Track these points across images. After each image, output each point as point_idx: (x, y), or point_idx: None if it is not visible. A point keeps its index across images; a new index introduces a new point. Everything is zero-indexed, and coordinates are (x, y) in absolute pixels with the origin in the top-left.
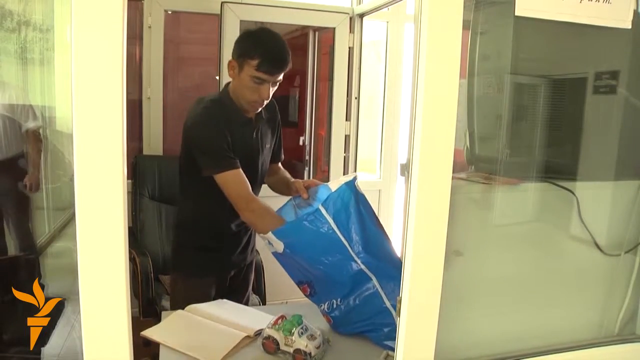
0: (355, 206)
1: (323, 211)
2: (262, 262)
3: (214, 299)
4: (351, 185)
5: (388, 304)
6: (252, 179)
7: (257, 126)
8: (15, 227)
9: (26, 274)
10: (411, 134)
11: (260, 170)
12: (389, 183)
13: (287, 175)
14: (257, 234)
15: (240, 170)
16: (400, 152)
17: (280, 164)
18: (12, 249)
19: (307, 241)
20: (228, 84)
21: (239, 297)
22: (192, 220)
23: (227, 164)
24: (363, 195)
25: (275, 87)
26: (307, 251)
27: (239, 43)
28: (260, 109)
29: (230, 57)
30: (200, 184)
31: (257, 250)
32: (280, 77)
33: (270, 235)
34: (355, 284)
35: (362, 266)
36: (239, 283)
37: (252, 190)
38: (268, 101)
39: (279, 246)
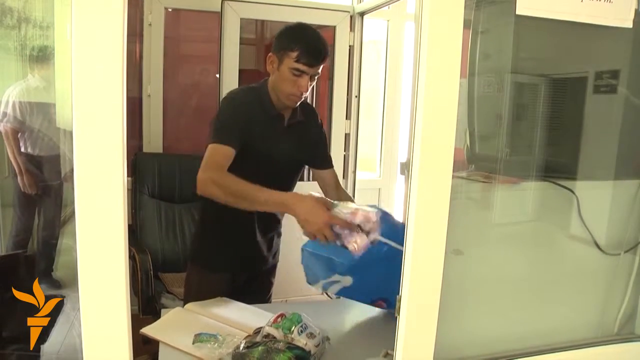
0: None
1: (383, 239)
2: None
3: (228, 296)
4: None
5: None
6: (272, 174)
7: (289, 124)
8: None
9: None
10: (411, 133)
11: (285, 174)
12: (389, 182)
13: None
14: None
15: (229, 151)
16: (400, 151)
17: (333, 173)
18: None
19: (373, 266)
20: (266, 79)
21: (255, 300)
22: (215, 215)
23: (222, 135)
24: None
25: (314, 82)
26: (375, 273)
27: (279, 37)
28: (294, 109)
29: (229, 57)
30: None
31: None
32: (319, 70)
33: (336, 276)
34: None
35: None
36: (257, 286)
37: (275, 185)
38: (306, 94)
39: (347, 280)
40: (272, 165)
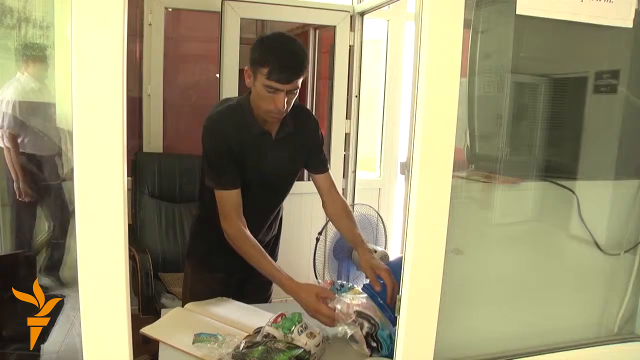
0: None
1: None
2: None
3: (224, 296)
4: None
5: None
6: (267, 193)
7: (277, 138)
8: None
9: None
10: (411, 133)
11: (278, 184)
12: (389, 182)
13: (351, 220)
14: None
15: (236, 191)
16: (400, 151)
17: (327, 178)
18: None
19: None
20: (250, 92)
21: (254, 300)
22: (210, 217)
23: (225, 181)
24: None
25: (294, 96)
26: None
27: (252, 50)
28: (283, 121)
29: (229, 57)
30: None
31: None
32: (296, 85)
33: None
34: None
35: None
36: (254, 286)
37: (271, 200)
38: (286, 111)
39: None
40: (262, 179)
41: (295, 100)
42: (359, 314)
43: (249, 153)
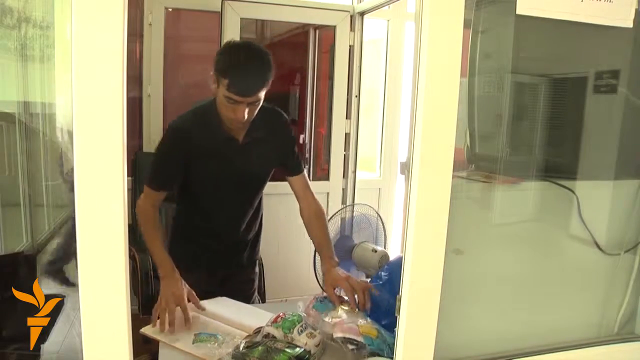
0: None
1: None
2: (261, 259)
3: (208, 293)
4: None
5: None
6: (238, 196)
7: (244, 143)
8: None
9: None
10: (411, 133)
11: (248, 187)
12: (389, 181)
13: (321, 228)
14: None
15: (162, 194)
16: (400, 151)
17: (301, 179)
18: None
19: None
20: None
21: (240, 296)
22: (186, 216)
23: (154, 182)
24: None
25: (256, 107)
26: None
27: (217, 57)
28: (251, 125)
29: None
30: (187, 188)
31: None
32: (257, 97)
33: None
34: None
35: None
36: (237, 282)
37: (243, 202)
38: (248, 120)
39: None
40: (231, 182)
41: (264, 104)
42: (342, 339)
43: (214, 158)
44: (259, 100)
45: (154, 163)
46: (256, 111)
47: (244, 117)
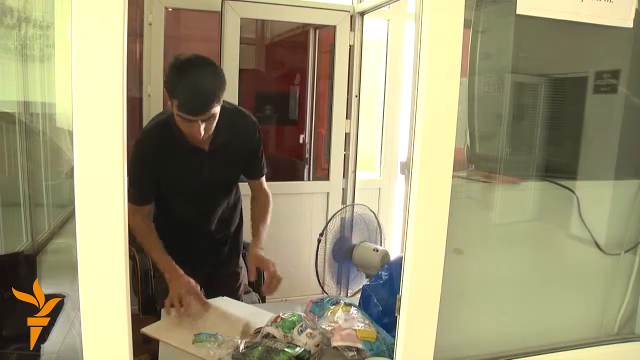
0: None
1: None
2: None
3: None
4: None
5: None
6: (209, 198)
7: (211, 150)
8: None
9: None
10: (412, 133)
11: (219, 188)
12: (389, 181)
13: (261, 211)
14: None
15: (147, 207)
16: (400, 151)
17: (258, 183)
18: None
19: None
20: None
21: (226, 291)
22: (165, 216)
23: (136, 199)
24: None
25: (213, 121)
26: None
27: (167, 74)
28: (216, 132)
29: (229, 57)
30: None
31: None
32: (210, 114)
33: None
34: None
35: None
36: (223, 278)
37: (215, 203)
38: (207, 133)
39: None
40: (201, 187)
41: (229, 105)
42: (341, 347)
43: (181, 167)
44: (213, 115)
45: (130, 180)
46: (214, 124)
47: (200, 133)
